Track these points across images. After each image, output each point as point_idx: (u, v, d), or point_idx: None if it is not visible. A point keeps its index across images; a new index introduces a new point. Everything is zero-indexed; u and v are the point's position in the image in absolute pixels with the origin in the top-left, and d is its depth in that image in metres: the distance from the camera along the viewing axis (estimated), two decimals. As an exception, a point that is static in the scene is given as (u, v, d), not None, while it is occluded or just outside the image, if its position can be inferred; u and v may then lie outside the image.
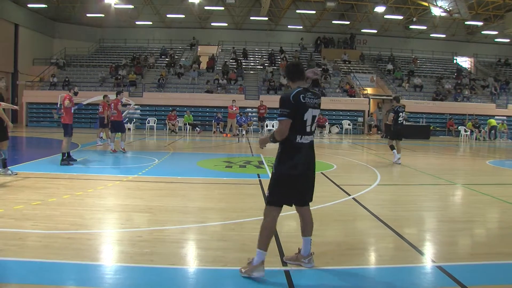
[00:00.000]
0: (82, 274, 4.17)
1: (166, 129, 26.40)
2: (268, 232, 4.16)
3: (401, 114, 13.25)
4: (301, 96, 4.10)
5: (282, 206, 4.22)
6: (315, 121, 4.27)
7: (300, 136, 4.14)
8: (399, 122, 13.23)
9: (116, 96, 14.80)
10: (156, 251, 4.73)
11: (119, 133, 14.65)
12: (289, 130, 4.08)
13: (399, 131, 13.32)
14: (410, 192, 9.00)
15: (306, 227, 4.40)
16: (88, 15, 34.93)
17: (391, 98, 14.37)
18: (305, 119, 4.13)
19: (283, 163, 4.15)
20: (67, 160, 11.09)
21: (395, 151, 13.12)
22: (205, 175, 10.26)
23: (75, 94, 11.70)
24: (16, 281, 3.98)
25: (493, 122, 28.42)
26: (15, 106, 10.66)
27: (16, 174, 9.18)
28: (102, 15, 34.81)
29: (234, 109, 24.72)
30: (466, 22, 36.01)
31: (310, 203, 4.44)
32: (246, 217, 6.30)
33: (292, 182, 4.16)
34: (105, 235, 5.41)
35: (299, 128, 4.13)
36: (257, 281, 4.03)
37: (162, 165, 11.84)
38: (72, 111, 11.50)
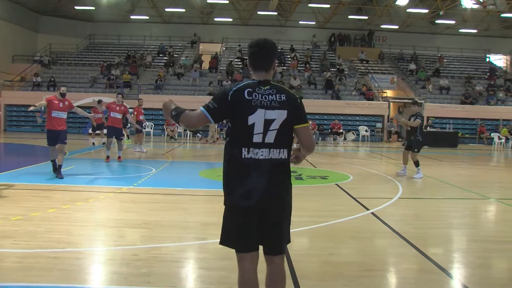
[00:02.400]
0: (70, 297, 4.16)
1: (164, 135, 26.48)
2: None
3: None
4: (246, 91, 3.28)
5: (251, 251, 3.38)
6: (278, 127, 3.30)
7: (246, 149, 3.27)
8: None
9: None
10: (153, 272, 4.72)
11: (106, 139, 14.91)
12: (232, 140, 3.36)
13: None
14: (436, 207, 8.94)
15: (271, 285, 3.46)
16: (76, 7, 35.16)
17: (411, 102, 13.50)
18: (250, 123, 3.25)
19: (230, 189, 3.40)
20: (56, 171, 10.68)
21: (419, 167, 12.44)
22: (207, 186, 10.25)
23: (62, 95, 10.81)
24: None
25: None
26: None
27: None
28: (93, 8, 35.04)
29: None
30: (502, 15, 35.52)
31: (285, 249, 3.56)
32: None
33: (243, 218, 3.33)
34: (96, 253, 5.41)
35: (243, 137, 3.29)
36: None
37: (160, 175, 11.87)
38: (56, 115, 10.64)
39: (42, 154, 16.80)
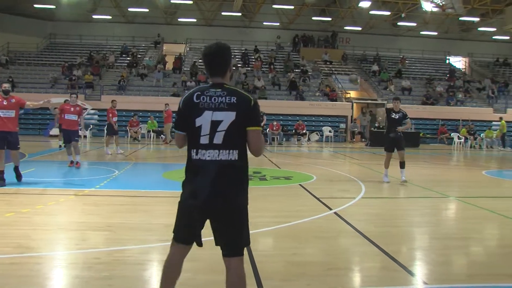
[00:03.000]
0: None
1: (127, 137, 26.15)
2: (163, 272, 3.63)
3: None
4: (195, 94, 3.44)
5: (184, 244, 3.55)
6: (226, 128, 3.33)
7: (195, 150, 3.42)
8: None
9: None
10: (116, 275, 4.67)
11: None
12: (188, 142, 3.51)
13: None
14: (398, 206, 9.12)
15: (230, 287, 3.47)
16: (35, 5, 34.24)
17: (393, 98, 12.40)
18: (197, 125, 3.37)
19: (182, 187, 3.53)
20: None
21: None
22: (171, 187, 10.15)
23: (5, 93, 9.83)
24: None
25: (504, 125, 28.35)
26: None
27: None
28: (53, 7, 34.30)
29: (164, 113, 23.93)
30: (461, 18, 36.52)
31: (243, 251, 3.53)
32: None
33: (190, 215, 3.43)
34: (57, 258, 5.31)
35: (192, 139, 3.43)
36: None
37: (123, 176, 11.77)
38: (2, 114, 9.64)
39: None
